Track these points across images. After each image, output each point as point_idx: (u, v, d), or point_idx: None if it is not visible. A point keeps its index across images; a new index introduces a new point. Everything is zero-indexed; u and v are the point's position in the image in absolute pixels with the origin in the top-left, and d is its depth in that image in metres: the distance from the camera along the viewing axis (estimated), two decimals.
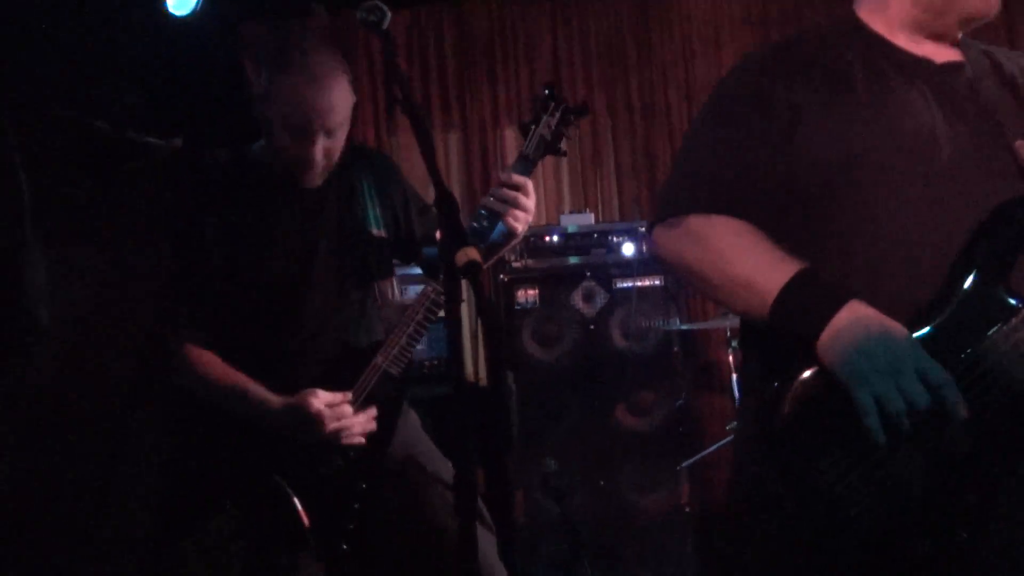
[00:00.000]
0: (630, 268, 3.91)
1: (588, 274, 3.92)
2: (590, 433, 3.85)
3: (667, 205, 1.48)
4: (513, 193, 1.98)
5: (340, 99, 2.02)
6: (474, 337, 4.71)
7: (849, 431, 1.28)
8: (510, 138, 4.61)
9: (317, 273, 2.13)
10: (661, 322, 3.89)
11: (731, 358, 3.84)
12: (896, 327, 1.28)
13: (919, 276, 1.34)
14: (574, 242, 3.96)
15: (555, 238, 3.96)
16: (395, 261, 2.35)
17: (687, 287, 1.52)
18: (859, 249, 1.37)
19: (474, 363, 4.31)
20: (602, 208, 4.54)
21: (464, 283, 1.89)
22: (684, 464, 3.79)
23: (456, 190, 4.27)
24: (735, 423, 3.71)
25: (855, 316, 1.28)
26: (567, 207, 4.51)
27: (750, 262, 1.36)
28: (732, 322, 3.70)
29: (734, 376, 3.81)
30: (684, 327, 3.91)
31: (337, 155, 2.11)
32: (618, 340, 3.91)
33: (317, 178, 2.12)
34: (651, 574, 3.78)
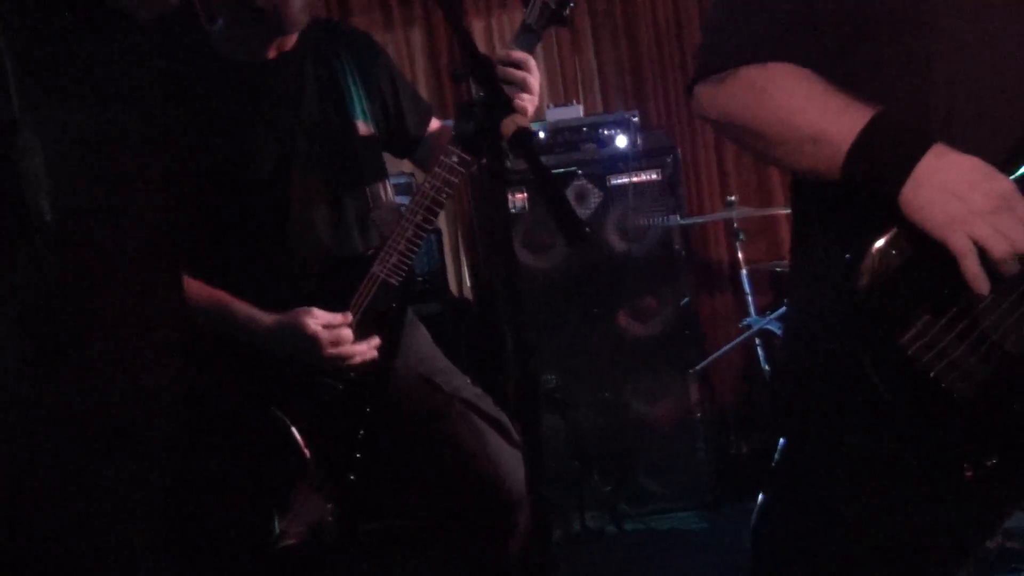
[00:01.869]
0: (624, 163, 3.91)
1: (579, 172, 3.92)
2: (591, 343, 3.90)
3: (712, 57, 1.41)
4: (518, 72, 1.93)
5: None
6: (455, 251, 4.62)
7: (944, 293, 1.27)
8: (479, 30, 4.57)
9: (298, 175, 2.09)
10: (660, 219, 3.91)
11: (739, 253, 3.95)
12: (989, 167, 1.25)
13: (1007, 117, 1.30)
14: (562, 137, 3.96)
15: (541, 135, 3.95)
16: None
17: (744, 147, 1.46)
18: (940, 89, 1.32)
19: (456, 278, 4.45)
20: (585, 100, 4.49)
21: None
22: (693, 369, 3.88)
23: (424, 93, 4.20)
24: (749, 320, 3.84)
25: (942, 158, 1.25)
26: (548, 100, 4.46)
27: (817, 111, 1.30)
28: (738, 213, 3.81)
29: (743, 271, 3.95)
30: (685, 222, 3.95)
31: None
32: (615, 242, 3.93)
33: (300, 15, 2.03)
34: (663, 484, 3.88)
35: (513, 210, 3.81)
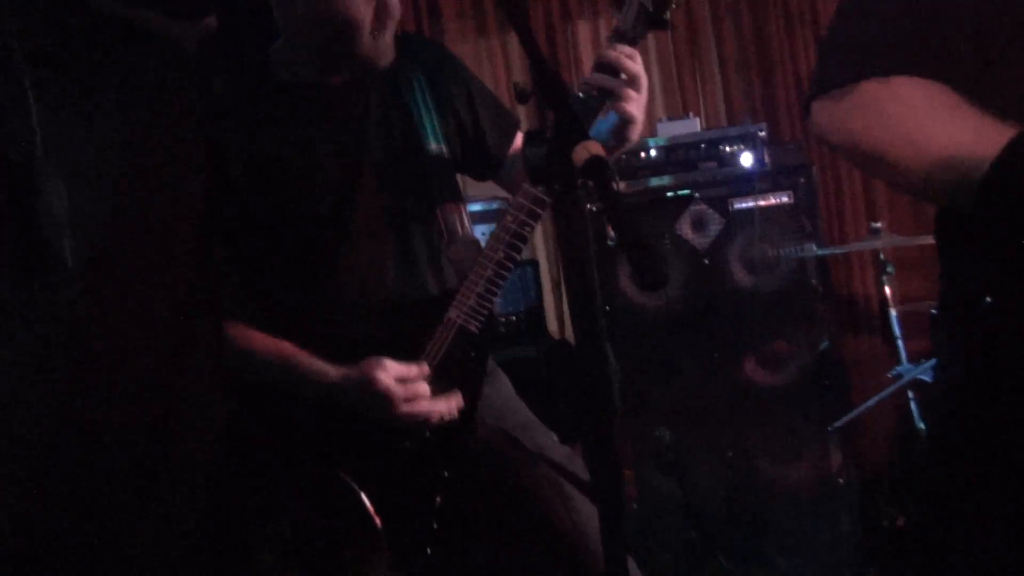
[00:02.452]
0: (750, 183, 3.77)
1: (697, 195, 3.80)
2: (711, 393, 3.79)
3: (830, 71, 1.42)
4: (625, 62, 1.87)
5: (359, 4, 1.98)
6: (556, 286, 4.58)
7: None
8: (584, 32, 4.51)
9: (364, 205, 2.07)
10: (793, 249, 3.76)
11: (886, 288, 3.74)
12: None
13: None
14: (677, 156, 3.84)
15: (652, 152, 3.84)
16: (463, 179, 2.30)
17: (867, 172, 1.41)
18: None
19: (557, 317, 4.30)
20: (705, 113, 4.42)
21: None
22: (834, 425, 3.68)
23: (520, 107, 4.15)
24: (900, 368, 3.64)
25: None
26: (661, 112, 4.41)
27: (946, 131, 1.28)
28: (886, 241, 3.62)
29: (892, 311, 3.73)
30: (822, 252, 3.78)
31: (396, 12, 2.01)
32: (740, 275, 3.81)
33: (368, 46, 2.00)
34: (799, 562, 3.71)
35: (611, 243, 3.74)
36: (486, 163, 2.25)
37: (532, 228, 1.94)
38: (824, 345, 3.74)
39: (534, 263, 3.94)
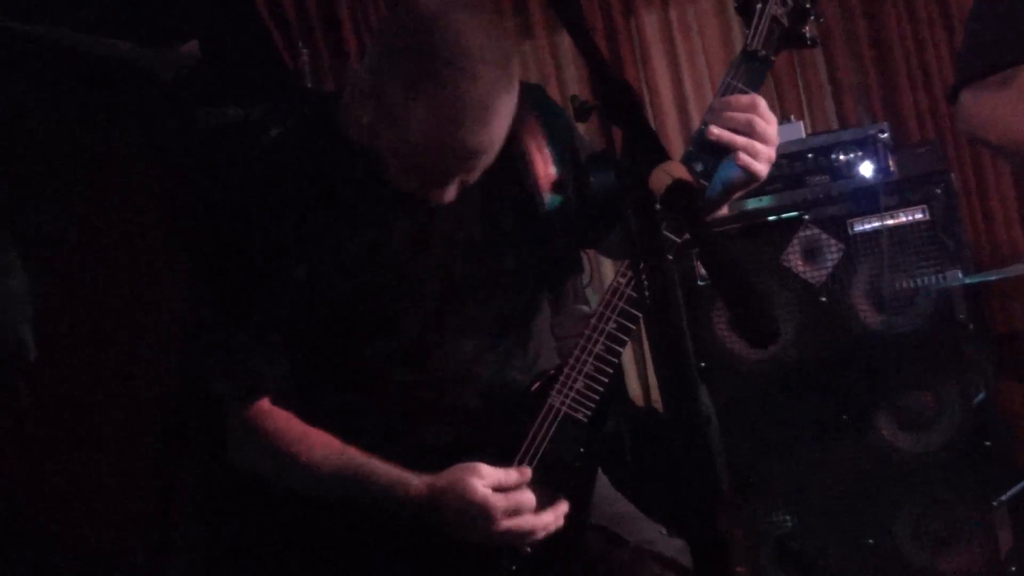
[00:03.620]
0: (873, 199, 3.59)
1: (807, 217, 3.65)
2: (840, 465, 3.64)
3: (983, 55, 1.44)
4: (744, 116, 1.87)
5: (500, 129, 1.92)
6: (637, 340, 4.44)
7: None
8: (651, 24, 4.49)
9: (453, 289, 2.08)
10: (933, 279, 3.57)
11: None
12: None
13: None
14: (779, 170, 3.67)
15: None
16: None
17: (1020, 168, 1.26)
18: None
19: (639, 378, 4.20)
20: (811, 115, 4.36)
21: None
22: (1000, 499, 3.50)
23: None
24: None
25: None
26: None
27: None
28: None
29: None
30: (971, 280, 3.61)
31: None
32: (867, 314, 3.65)
33: (449, 197, 2.01)
34: None
35: (701, 283, 3.67)
36: (594, 226, 2.23)
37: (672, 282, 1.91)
38: (980, 397, 3.57)
39: None
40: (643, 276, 1.23)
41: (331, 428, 2.04)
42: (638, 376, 4.37)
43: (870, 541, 3.56)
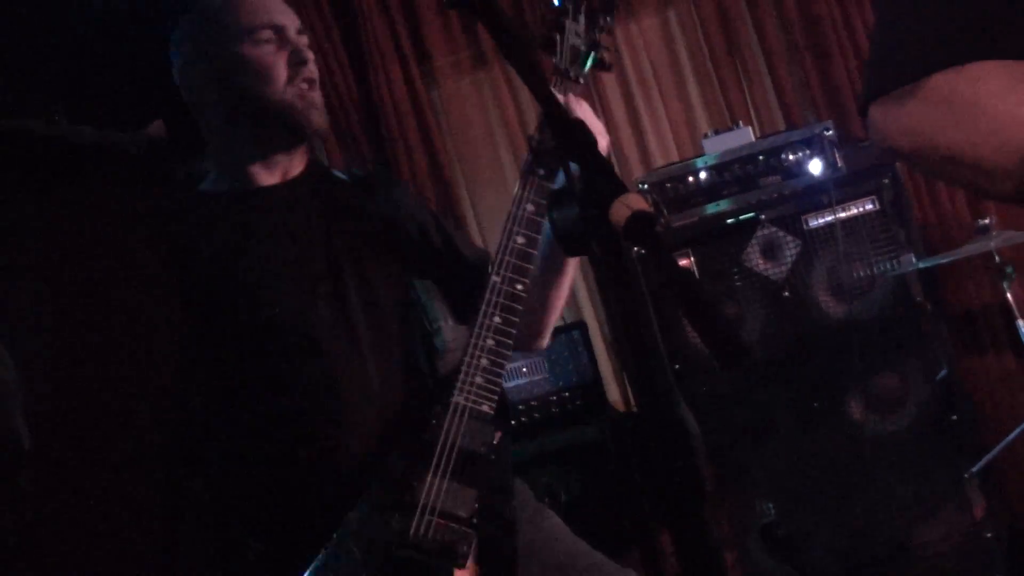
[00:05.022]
0: (825, 194, 3.68)
1: (763, 217, 3.72)
2: (815, 449, 3.69)
3: (888, 69, 1.39)
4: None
5: None
6: (614, 348, 4.58)
7: None
8: (653, 30, 4.45)
9: (331, 308, 2.11)
10: (888, 265, 3.69)
11: (1008, 295, 3.66)
12: None
13: None
14: (732, 173, 3.76)
15: (702, 175, 3.76)
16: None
17: (946, 180, 1.52)
18: None
19: (619, 384, 4.20)
20: (757, 119, 4.37)
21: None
22: (971, 470, 3.57)
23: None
24: None
25: None
26: (704, 126, 4.34)
27: None
28: (1000, 240, 3.62)
29: (1020, 322, 3.65)
30: (924, 264, 3.66)
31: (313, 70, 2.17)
32: (829, 304, 3.73)
33: (321, 116, 2.16)
34: None
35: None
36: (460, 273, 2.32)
37: (524, 285, 2.01)
38: (943, 373, 3.65)
39: (581, 325, 3.84)
40: (610, 287, 1.26)
41: (250, 470, 2.08)
42: (617, 383, 4.34)
43: (850, 521, 3.60)
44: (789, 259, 3.70)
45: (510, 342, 2.02)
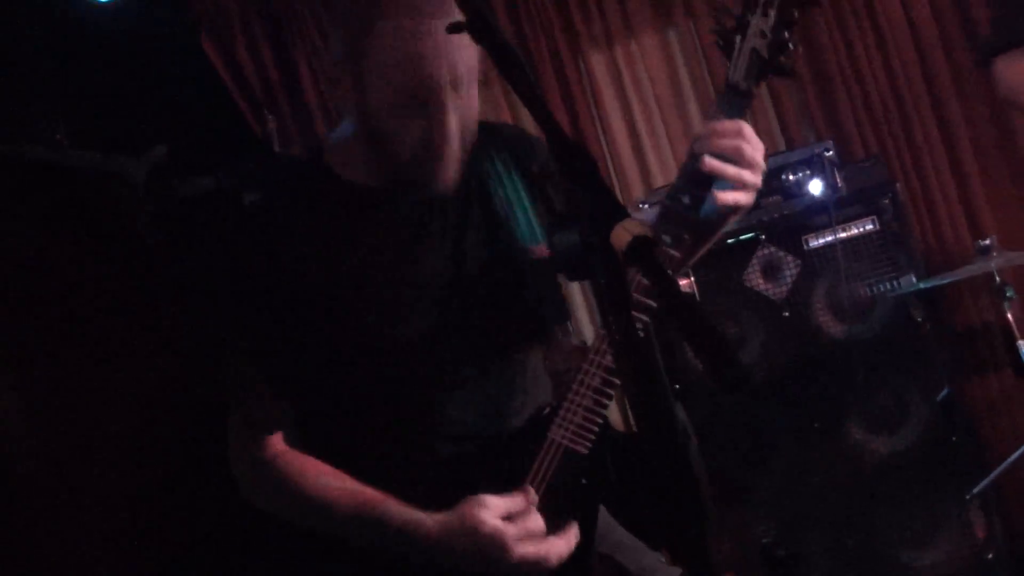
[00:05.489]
0: (825, 215, 3.69)
1: (763, 237, 3.74)
2: (816, 471, 3.69)
3: (1014, 29, 1.44)
4: (731, 143, 1.84)
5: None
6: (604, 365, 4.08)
7: None
8: (599, 64, 4.47)
9: (455, 327, 2.05)
10: (889, 285, 3.68)
11: (1009, 315, 3.62)
12: None
13: None
14: None
15: None
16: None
17: None
18: None
19: (619, 404, 4.22)
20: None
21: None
22: (973, 491, 3.56)
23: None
24: None
25: None
26: None
27: None
28: (1001, 260, 3.50)
29: (1021, 343, 3.62)
30: (925, 285, 3.66)
31: (474, 127, 1.99)
32: (829, 325, 3.73)
33: (452, 172, 1.99)
34: None
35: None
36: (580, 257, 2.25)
37: (644, 324, 1.89)
38: (944, 394, 3.65)
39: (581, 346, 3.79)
40: (607, 311, 1.23)
41: (338, 464, 2.03)
42: (617, 404, 4.23)
43: (850, 543, 3.60)
44: (789, 279, 3.71)
45: (617, 382, 1.94)
